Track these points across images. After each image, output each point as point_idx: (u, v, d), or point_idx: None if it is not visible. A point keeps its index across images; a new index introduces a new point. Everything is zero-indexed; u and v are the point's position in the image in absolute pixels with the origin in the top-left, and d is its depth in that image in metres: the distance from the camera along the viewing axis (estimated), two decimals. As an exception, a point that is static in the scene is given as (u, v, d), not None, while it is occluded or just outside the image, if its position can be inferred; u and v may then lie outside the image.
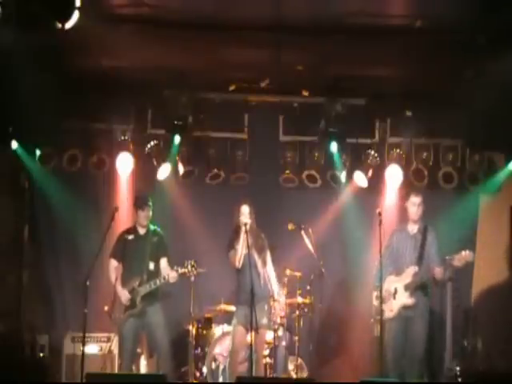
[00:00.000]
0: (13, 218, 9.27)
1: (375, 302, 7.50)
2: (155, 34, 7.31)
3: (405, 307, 7.23)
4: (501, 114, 7.97)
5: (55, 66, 7.77)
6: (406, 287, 7.26)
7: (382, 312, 7.12)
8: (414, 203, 7.44)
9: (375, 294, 7.49)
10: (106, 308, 7.63)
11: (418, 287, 7.29)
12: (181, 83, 8.57)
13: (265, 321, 7.20)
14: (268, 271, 7.49)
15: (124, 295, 7.57)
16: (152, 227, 7.85)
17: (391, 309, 7.33)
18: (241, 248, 7.25)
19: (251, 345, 6.83)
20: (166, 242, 7.90)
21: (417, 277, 7.26)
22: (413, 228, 7.51)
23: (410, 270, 7.30)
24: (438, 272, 7.17)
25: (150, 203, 7.79)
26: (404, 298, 7.24)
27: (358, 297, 8.82)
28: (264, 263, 7.45)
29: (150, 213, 7.80)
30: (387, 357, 7.35)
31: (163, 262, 7.75)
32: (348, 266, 9.10)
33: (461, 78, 7.96)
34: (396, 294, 7.32)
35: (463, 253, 7.05)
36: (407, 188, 9.05)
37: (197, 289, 8.01)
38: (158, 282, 7.54)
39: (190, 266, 7.47)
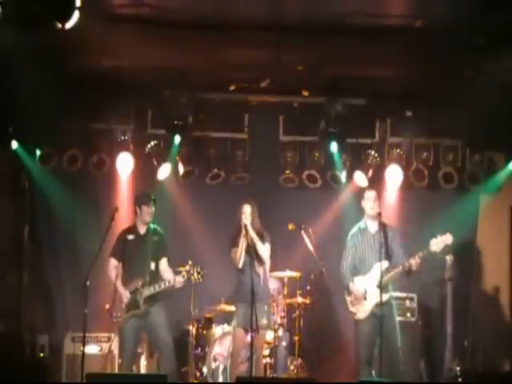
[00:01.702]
0: (13, 218, 9.28)
1: (352, 308, 7.41)
2: (155, 34, 7.31)
3: (378, 305, 7.08)
4: (501, 114, 7.97)
5: (55, 66, 7.77)
6: (378, 284, 7.11)
7: (382, 310, 7.09)
8: (369, 198, 7.38)
9: (348, 299, 7.43)
10: (107, 306, 7.60)
11: (390, 283, 7.26)
12: (181, 83, 8.57)
13: (264, 321, 7.19)
14: (265, 270, 7.44)
15: (125, 296, 7.53)
16: (152, 226, 7.78)
17: (364, 310, 7.27)
18: (241, 248, 7.24)
19: (251, 345, 6.83)
20: (166, 242, 7.80)
21: (387, 272, 7.17)
22: (372, 226, 7.42)
23: (380, 266, 7.13)
24: (414, 263, 7.09)
25: (154, 198, 7.76)
26: (377, 296, 7.08)
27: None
28: (260, 262, 7.35)
29: (153, 209, 7.74)
30: (360, 358, 7.31)
31: (163, 262, 7.67)
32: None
33: (460, 78, 7.96)
34: (367, 294, 7.25)
35: (439, 237, 7.06)
36: (407, 186, 9.12)
37: (197, 289, 8.00)
38: (162, 285, 7.47)
39: (196, 273, 7.40)
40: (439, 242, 7.07)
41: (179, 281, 7.44)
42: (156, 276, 7.58)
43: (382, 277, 7.06)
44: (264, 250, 7.32)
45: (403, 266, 7.13)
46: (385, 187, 9.29)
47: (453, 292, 8.17)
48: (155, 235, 7.74)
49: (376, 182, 9.26)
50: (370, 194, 7.43)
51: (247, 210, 7.30)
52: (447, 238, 7.09)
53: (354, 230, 7.55)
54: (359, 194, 8.75)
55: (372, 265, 7.25)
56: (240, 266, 7.26)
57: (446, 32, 7.03)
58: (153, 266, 7.62)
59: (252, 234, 7.22)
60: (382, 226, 7.32)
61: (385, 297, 7.14)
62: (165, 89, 8.80)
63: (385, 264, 7.19)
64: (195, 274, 7.37)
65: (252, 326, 6.80)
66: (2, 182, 9.21)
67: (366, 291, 7.25)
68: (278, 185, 9.39)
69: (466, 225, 9.12)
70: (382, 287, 7.10)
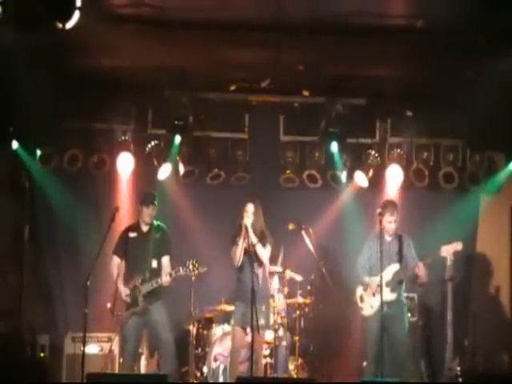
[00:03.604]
0: (13, 218, 9.27)
1: (360, 304, 7.64)
2: (156, 34, 7.31)
3: (385, 303, 7.25)
4: (501, 114, 7.97)
5: (55, 66, 7.77)
6: (387, 284, 7.37)
7: (389, 309, 7.26)
8: (390, 221, 7.50)
9: (359, 294, 7.65)
10: (108, 305, 7.60)
11: (399, 284, 7.46)
12: (181, 83, 8.57)
13: (262, 321, 7.17)
14: (264, 271, 7.43)
15: (125, 293, 7.53)
16: (155, 223, 7.77)
17: (371, 305, 7.49)
18: (240, 247, 7.22)
19: (252, 345, 6.82)
20: (169, 238, 7.80)
21: (397, 274, 7.44)
22: (389, 236, 7.61)
23: (391, 268, 7.45)
24: (421, 268, 7.31)
25: (156, 202, 7.74)
26: (385, 294, 7.26)
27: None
28: (259, 263, 7.35)
29: (155, 212, 7.73)
30: (368, 357, 7.47)
31: (165, 260, 7.67)
32: (348, 266, 9.08)
33: (461, 78, 7.96)
34: (376, 292, 7.40)
35: (450, 244, 7.26)
36: (408, 186, 9.12)
37: (197, 289, 8.00)
38: (159, 281, 7.50)
39: (191, 266, 7.43)
40: (449, 249, 7.29)
41: (166, 280, 7.47)
42: (157, 273, 7.58)
43: (381, 278, 7.22)
44: (264, 252, 7.30)
45: (413, 270, 7.40)
46: (385, 187, 9.29)
47: (453, 292, 8.15)
48: (158, 232, 7.74)
49: (376, 183, 9.28)
50: (390, 219, 7.50)
51: (250, 209, 7.28)
52: (457, 245, 7.32)
53: (372, 234, 7.72)
54: (362, 197, 8.85)
55: (385, 267, 7.37)
56: (238, 264, 7.25)
57: (447, 32, 7.04)
58: (154, 263, 7.62)
59: (252, 235, 7.19)
60: (399, 237, 7.59)
61: (392, 296, 7.42)
62: (165, 89, 8.80)
63: (396, 267, 7.46)
64: (190, 266, 7.39)
65: (252, 325, 6.78)
66: (3, 182, 9.21)
67: (377, 288, 7.37)
68: (278, 185, 9.39)
69: (466, 225, 9.13)
70: (393, 287, 7.43)
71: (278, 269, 8.44)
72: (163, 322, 7.56)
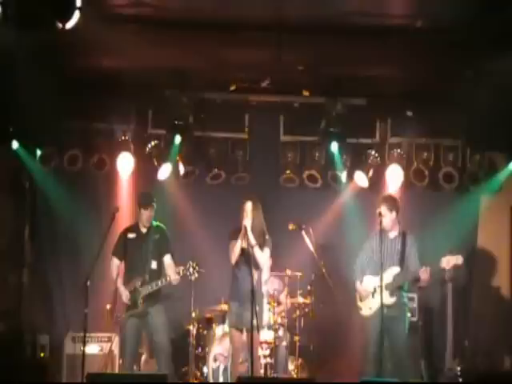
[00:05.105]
0: (13, 218, 9.28)
1: (359, 303, 7.58)
2: (156, 34, 7.31)
3: (384, 306, 7.15)
4: (501, 114, 7.98)
5: (55, 66, 7.77)
6: (387, 286, 7.24)
7: (382, 309, 7.12)
8: (379, 214, 7.37)
9: (358, 293, 7.59)
10: (108, 306, 7.61)
11: (399, 287, 7.35)
12: (181, 83, 8.58)
13: (255, 321, 7.14)
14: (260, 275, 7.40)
15: (125, 295, 7.53)
16: (154, 223, 7.76)
17: (370, 306, 7.41)
18: (237, 247, 7.18)
19: (251, 345, 6.81)
20: (169, 238, 7.78)
21: (398, 277, 7.31)
22: (392, 233, 7.51)
23: (392, 271, 7.33)
24: (424, 272, 7.17)
25: (154, 203, 7.73)
26: (384, 297, 7.15)
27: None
28: (256, 266, 7.22)
29: (153, 213, 7.73)
30: (368, 357, 7.40)
31: (167, 258, 7.65)
32: (348, 266, 9.09)
33: (461, 77, 7.96)
34: (375, 293, 7.33)
35: (451, 256, 7.16)
36: (408, 186, 9.14)
37: (197, 289, 8.00)
38: (160, 282, 7.47)
39: (191, 268, 7.42)
40: (449, 261, 7.18)
41: (175, 279, 7.45)
42: (157, 274, 7.57)
43: (381, 278, 7.15)
44: (261, 256, 7.20)
45: (416, 274, 7.26)
46: (385, 187, 9.29)
47: (453, 292, 8.18)
48: (157, 233, 7.73)
49: (376, 183, 9.28)
50: (380, 211, 7.40)
51: (248, 207, 7.20)
52: (458, 258, 7.21)
53: (375, 231, 7.58)
54: (362, 197, 8.83)
55: (385, 268, 7.27)
56: (233, 262, 7.22)
57: (447, 32, 7.04)
58: (154, 264, 7.61)
59: (251, 237, 7.08)
60: (402, 234, 7.49)
61: (391, 300, 7.30)
62: (165, 89, 8.81)
63: (396, 269, 7.35)
64: (191, 269, 7.38)
65: (251, 325, 6.76)
66: (3, 182, 9.22)
67: (376, 290, 7.31)
68: (278, 185, 9.39)
69: (466, 225, 9.14)
70: (392, 290, 7.30)
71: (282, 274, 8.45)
72: (161, 325, 7.55)
